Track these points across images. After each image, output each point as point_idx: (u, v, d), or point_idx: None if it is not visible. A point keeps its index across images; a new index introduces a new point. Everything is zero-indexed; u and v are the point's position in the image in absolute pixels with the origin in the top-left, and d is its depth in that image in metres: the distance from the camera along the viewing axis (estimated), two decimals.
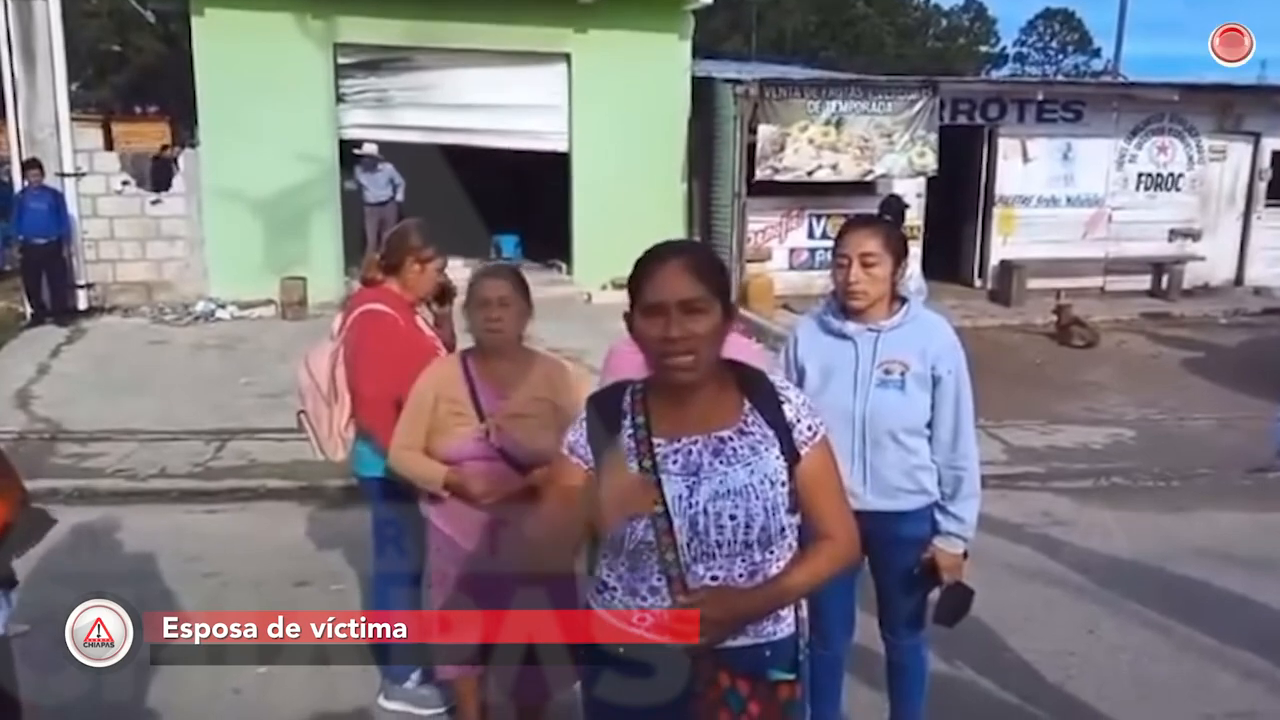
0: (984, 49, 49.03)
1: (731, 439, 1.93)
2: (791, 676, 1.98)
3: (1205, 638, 4.17)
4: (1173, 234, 12.92)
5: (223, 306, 10.96)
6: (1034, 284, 12.08)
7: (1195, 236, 12.96)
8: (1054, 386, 8.81)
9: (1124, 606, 4.49)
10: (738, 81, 11.36)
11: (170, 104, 26.50)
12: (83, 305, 10.83)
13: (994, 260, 12.54)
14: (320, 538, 5.37)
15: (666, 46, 12.07)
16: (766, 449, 1.93)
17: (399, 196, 12.51)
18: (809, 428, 1.97)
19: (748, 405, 1.97)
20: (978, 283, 12.67)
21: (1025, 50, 52.17)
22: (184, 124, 21.15)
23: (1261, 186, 13.08)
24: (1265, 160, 13.00)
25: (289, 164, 11.07)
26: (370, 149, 12.15)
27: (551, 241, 12.96)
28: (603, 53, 11.73)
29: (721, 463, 1.91)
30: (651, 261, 1.91)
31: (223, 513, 5.80)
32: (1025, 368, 9.41)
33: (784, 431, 1.94)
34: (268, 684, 3.84)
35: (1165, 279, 12.61)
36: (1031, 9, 63.90)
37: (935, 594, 3.04)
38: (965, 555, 2.98)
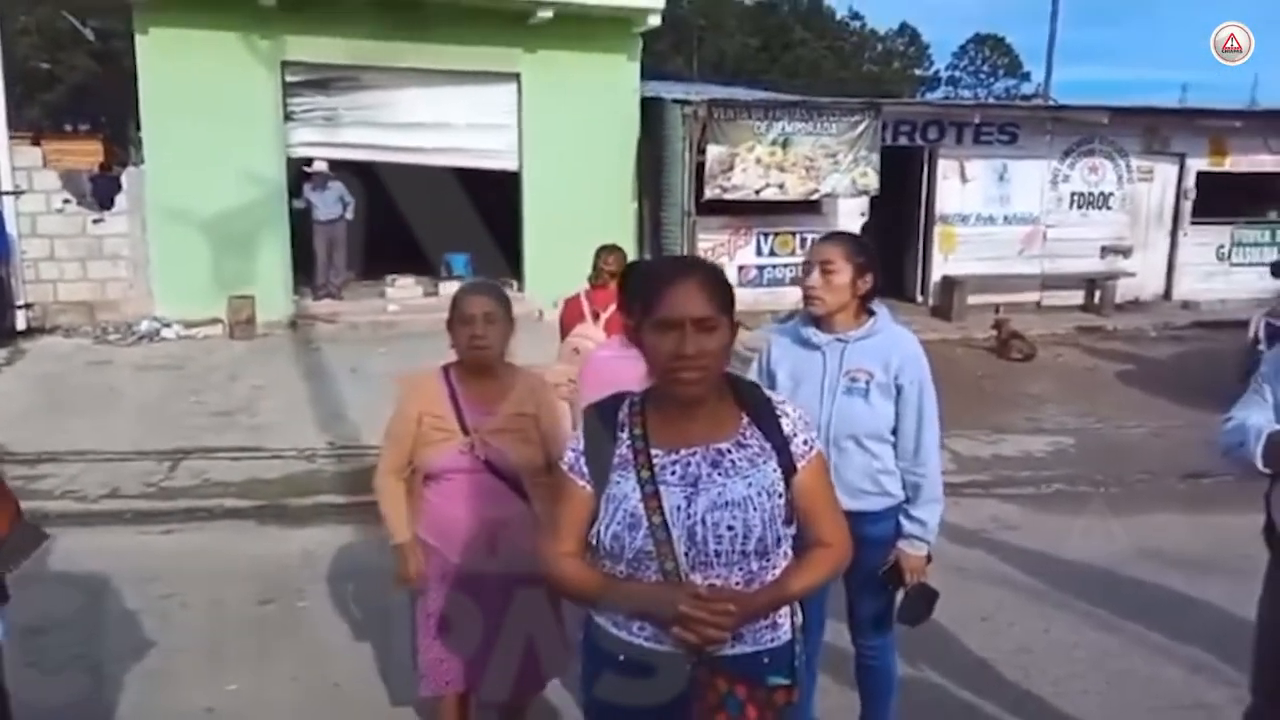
0: (918, 72, 50.27)
1: (730, 451, 1.98)
2: (788, 682, 2.02)
3: (1153, 634, 4.35)
4: (1104, 251, 13.36)
5: (168, 326, 10.76)
6: (974, 299, 12.41)
7: (1126, 253, 13.42)
8: (996, 398, 9.06)
9: (1075, 606, 4.67)
10: (686, 102, 11.53)
11: (103, 122, 25.96)
12: (21, 325, 10.54)
13: (936, 276, 12.86)
14: (281, 556, 5.32)
15: (615, 67, 12.21)
16: (764, 461, 1.98)
17: (349, 215, 12.42)
18: (805, 442, 2.03)
19: (745, 419, 2.02)
20: (920, 298, 12.98)
21: (958, 74, 53.62)
22: (118, 142, 20.71)
23: (1187, 205, 13.60)
24: (1190, 180, 13.52)
25: (236, 182, 10.95)
26: (320, 166, 12.06)
27: (502, 260, 12.97)
28: (553, 73, 11.83)
29: (720, 474, 1.95)
30: (666, 277, 1.95)
31: (179, 532, 5.71)
32: (968, 380, 9.65)
33: (781, 445, 1.99)
34: (238, 701, 3.82)
35: (1098, 294, 13.04)
36: (963, 34, 65.79)
37: (900, 596, 3.16)
38: (929, 558, 3.11)
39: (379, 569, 4.86)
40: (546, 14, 11.30)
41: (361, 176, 12.42)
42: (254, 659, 4.12)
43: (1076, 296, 13.17)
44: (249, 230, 11.16)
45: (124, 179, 11.19)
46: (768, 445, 1.99)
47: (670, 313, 1.90)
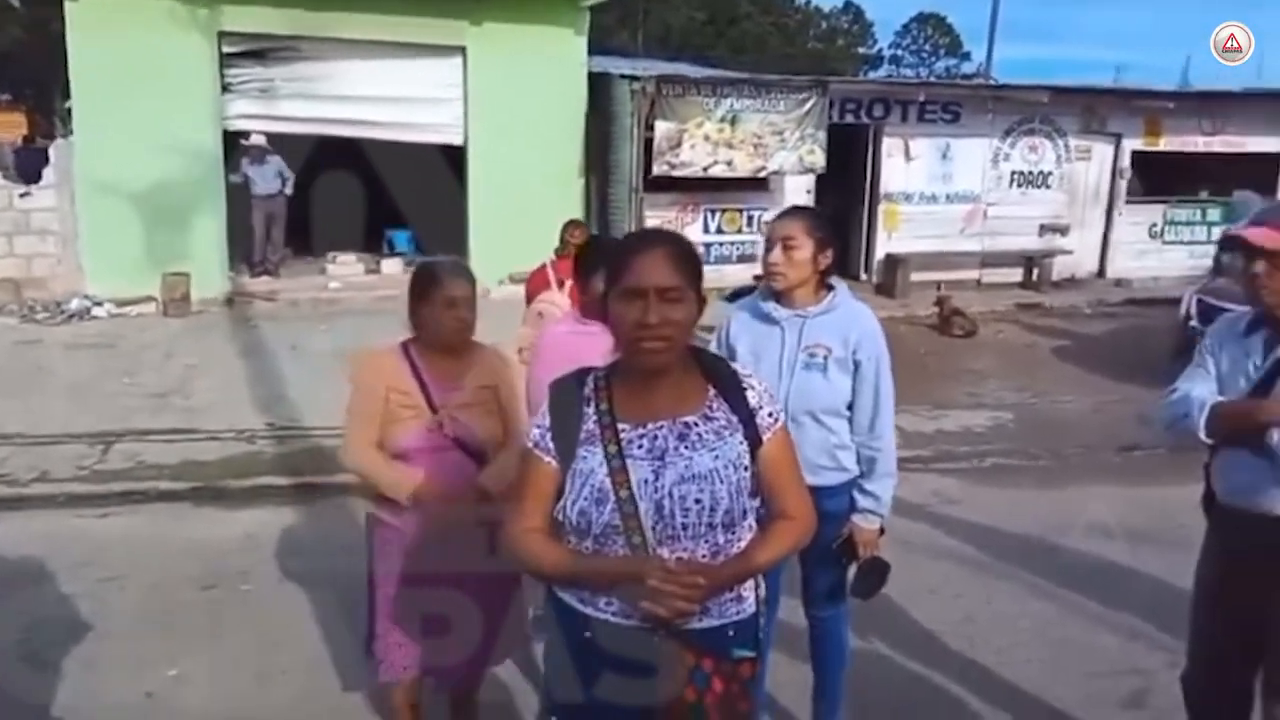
0: (861, 50, 50.57)
1: (697, 424, 1.97)
2: (752, 654, 2.03)
3: (1092, 604, 4.47)
4: (1043, 229, 13.59)
5: (99, 304, 10.45)
6: (917, 277, 12.58)
7: (1063, 231, 13.68)
8: (938, 374, 9.19)
9: (1017, 578, 4.78)
10: (634, 78, 11.45)
11: (26, 92, 24.96)
12: None
13: (879, 254, 12.97)
14: (222, 539, 5.21)
15: (563, 42, 12.04)
16: (731, 434, 1.98)
17: (287, 190, 12.14)
18: (770, 414, 2.03)
19: (712, 391, 2.02)
20: (864, 276, 13.08)
21: (900, 53, 54.08)
22: (43, 113, 19.92)
23: (1122, 184, 13.88)
24: (1125, 160, 13.79)
25: (170, 155, 10.59)
26: (258, 140, 11.75)
27: (446, 237, 12.79)
28: (499, 47, 11.64)
29: (687, 447, 1.95)
30: (635, 248, 1.95)
31: (115, 516, 5.56)
32: (911, 357, 9.74)
33: (747, 417, 2.00)
34: (179, 686, 3.74)
35: (1036, 271, 13.30)
36: (905, 13, 66.33)
37: (854, 568, 3.20)
38: (882, 531, 3.16)
39: (325, 551, 4.83)
40: None
41: (301, 150, 12.12)
42: (196, 643, 4.03)
43: (1015, 274, 13.40)
44: (184, 205, 10.84)
45: (51, 151, 10.80)
46: (734, 418, 2.00)
47: (636, 281, 1.89)
